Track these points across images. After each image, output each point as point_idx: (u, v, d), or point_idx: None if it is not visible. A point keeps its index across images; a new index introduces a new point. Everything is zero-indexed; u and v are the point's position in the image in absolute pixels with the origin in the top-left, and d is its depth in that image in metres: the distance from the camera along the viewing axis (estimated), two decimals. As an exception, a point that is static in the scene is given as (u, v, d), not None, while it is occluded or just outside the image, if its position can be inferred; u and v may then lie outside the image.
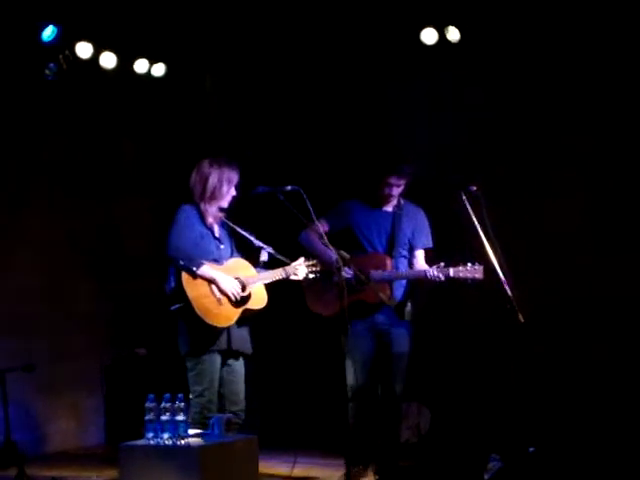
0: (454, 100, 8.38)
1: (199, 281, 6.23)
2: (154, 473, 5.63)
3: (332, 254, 6.29)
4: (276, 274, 6.49)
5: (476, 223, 6.08)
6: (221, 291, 6.27)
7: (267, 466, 7.19)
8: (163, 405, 5.73)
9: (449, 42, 8.10)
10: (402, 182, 6.81)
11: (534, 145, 8.08)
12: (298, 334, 8.54)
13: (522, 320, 5.90)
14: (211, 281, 6.25)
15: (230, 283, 6.30)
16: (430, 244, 6.94)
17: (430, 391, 8.24)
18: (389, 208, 6.93)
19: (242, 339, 6.46)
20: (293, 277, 6.55)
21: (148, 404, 5.75)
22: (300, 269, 6.55)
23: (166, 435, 5.71)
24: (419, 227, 6.93)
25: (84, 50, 7.99)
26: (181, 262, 6.19)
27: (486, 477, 5.75)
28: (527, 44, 7.95)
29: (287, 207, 6.15)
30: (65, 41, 7.75)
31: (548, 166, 8.01)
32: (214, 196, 6.41)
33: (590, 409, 7.57)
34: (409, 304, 6.87)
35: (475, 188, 6.17)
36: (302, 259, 6.61)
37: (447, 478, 5.08)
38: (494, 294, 6.03)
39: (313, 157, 8.76)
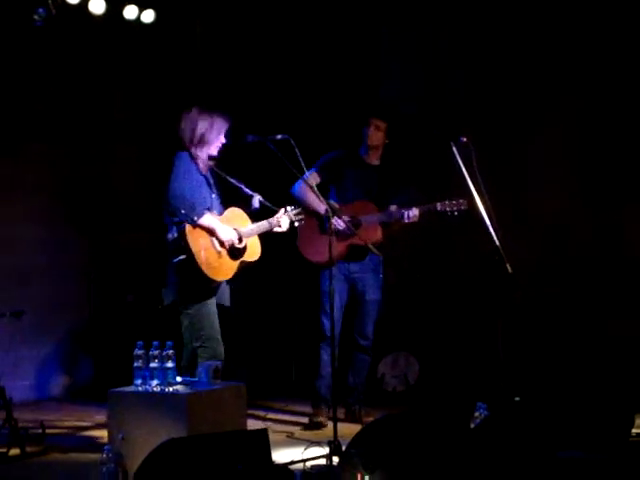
0: (446, 51, 8.35)
1: (200, 232, 6.18)
2: (143, 419, 5.65)
3: (323, 206, 6.47)
4: (261, 227, 6.46)
5: (466, 174, 6.09)
6: (220, 243, 6.24)
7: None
8: (152, 352, 5.75)
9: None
10: (383, 125, 7.03)
11: (525, 98, 8.07)
12: (281, 282, 8.63)
13: (510, 270, 5.93)
14: (211, 231, 6.21)
15: (229, 234, 6.27)
16: (412, 200, 7.08)
17: (418, 341, 8.28)
18: (375, 162, 7.15)
19: (223, 290, 6.50)
20: (277, 229, 6.51)
21: (137, 351, 5.77)
22: (283, 220, 6.52)
23: (155, 382, 5.74)
24: (403, 184, 7.17)
25: (73, -5, 7.92)
26: (182, 211, 6.13)
27: (472, 425, 5.78)
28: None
29: (277, 156, 6.14)
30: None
31: (537, 119, 8.01)
32: (203, 141, 6.35)
33: (575, 359, 7.63)
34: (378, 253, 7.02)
35: (465, 139, 6.17)
36: (282, 210, 6.55)
37: (434, 426, 5.13)
38: (483, 245, 6.05)
39: (303, 105, 8.74)
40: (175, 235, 6.20)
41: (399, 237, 7.25)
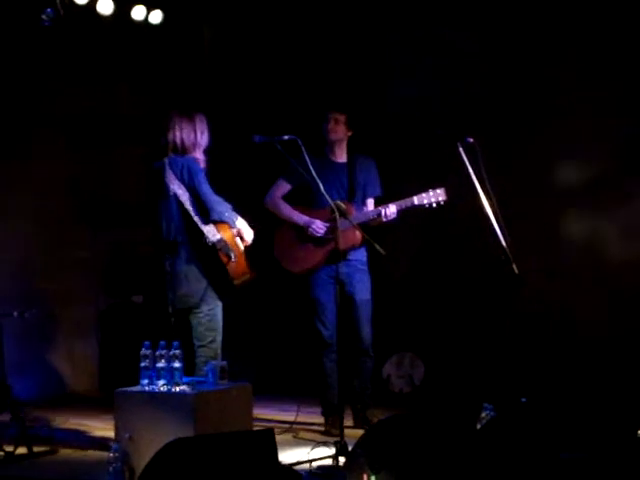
0: (452, 50, 8.36)
1: (230, 234, 6.36)
2: (149, 419, 5.66)
3: (299, 216, 6.88)
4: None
5: (472, 175, 6.10)
6: (241, 244, 6.41)
7: (262, 414, 7.28)
8: (159, 352, 5.77)
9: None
10: (341, 118, 6.96)
11: (532, 98, 8.06)
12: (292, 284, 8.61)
13: (516, 271, 5.93)
14: (239, 232, 6.40)
15: (251, 235, 6.46)
16: (379, 192, 7.10)
17: (424, 341, 8.28)
18: (342, 159, 7.08)
19: None
20: (241, 242, 6.49)
21: (144, 351, 5.78)
22: (245, 234, 6.49)
23: (161, 382, 5.75)
24: (370, 176, 7.08)
25: (81, -5, 7.94)
26: (226, 214, 6.35)
27: (478, 426, 5.79)
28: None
29: (284, 156, 6.16)
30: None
31: (545, 119, 8.00)
32: (202, 144, 6.49)
33: (583, 360, 7.63)
34: (365, 252, 7.03)
35: (472, 139, 6.18)
36: (238, 225, 6.49)
37: (440, 427, 5.12)
38: (489, 245, 6.05)
39: (309, 107, 8.73)
40: (218, 236, 6.29)
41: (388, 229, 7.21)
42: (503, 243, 5.98)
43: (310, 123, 7.21)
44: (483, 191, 6.05)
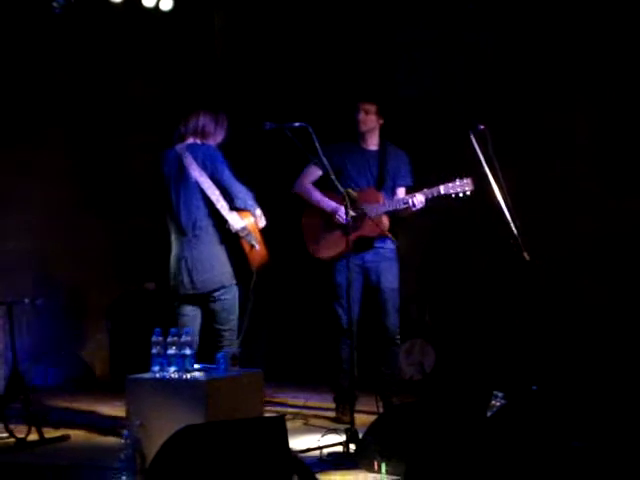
0: (462, 43, 8.34)
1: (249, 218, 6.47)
2: (161, 406, 5.68)
3: (328, 202, 6.85)
4: None
5: (483, 162, 6.09)
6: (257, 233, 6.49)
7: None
8: (170, 339, 5.79)
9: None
10: (372, 108, 6.94)
11: (541, 87, 8.04)
12: (303, 271, 8.60)
13: (527, 258, 5.93)
14: (257, 220, 6.49)
15: (264, 222, 6.56)
16: (410, 182, 7.07)
17: (435, 329, 8.28)
18: (373, 147, 7.07)
19: None
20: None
21: (154, 338, 5.80)
22: (233, 223, 6.50)
23: (172, 369, 5.77)
24: (401, 165, 7.06)
25: (92, -18, 7.94)
26: (249, 202, 6.43)
27: (489, 414, 5.79)
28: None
29: (294, 144, 6.17)
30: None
31: (554, 107, 7.98)
32: (218, 138, 6.61)
33: (594, 348, 7.62)
34: (394, 240, 7.00)
35: (483, 127, 6.18)
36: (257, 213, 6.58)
37: (450, 415, 5.13)
38: (500, 232, 6.05)
39: (319, 96, 8.73)
40: (242, 224, 6.40)
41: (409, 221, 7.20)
42: (514, 230, 5.98)
43: (335, 111, 7.21)
44: (494, 178, 6.05)
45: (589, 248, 7.75)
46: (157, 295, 8.71)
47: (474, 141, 6.12)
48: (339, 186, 6.27)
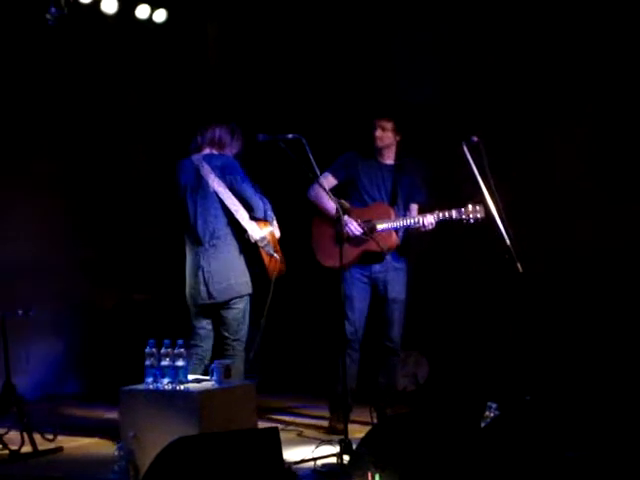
0: (456, 51, 8.35)
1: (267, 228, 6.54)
2: (154, 417, 5.68)
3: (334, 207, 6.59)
4: None
5: (477, 173, 6.10)
6: (276, 243, 6.57)
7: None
8: (163, 351, 5.78)
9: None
10: (388, 125, 6.90)
11: (536, 95, 8.05)
12: (303, 282, 8.60)
13: (521, 270, 5.94)
14: (271, 232, 6.56)
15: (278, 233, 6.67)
16: (422, 199, 7.04)
17: (429, 340, 8.28)
18: (390, 161, 7.03)
19: None
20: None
21: (148, 349, 5.80)
22: (253, 233, 6.55)
23: (166, 380, 5.76)
24: (416, 182, 7.03)
25: (85, -6, 7.94)
26: (269, 212, 6.51)
27: (483, 425, 5.79)
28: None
29: (288, 156, 6.17)
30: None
31: (549, 116, 7.99)
32: (234, 149, 6.70)
33: (587, 358, 7.62)
34: (404, 254, 7.01)
35: (476, 138, 6.19)
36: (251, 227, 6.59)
37: (444, 426, 5.13)
38: (493, 244, 6.05)
39: (315, 107, 8.74)
40: (262, 234, 6.48)
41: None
42: (507, 242, 5.99)
43: (315, 122, 7.18)
44: (487, 190, 6.06)
45: (589, 254, 7.75)
46: (148, 306, 8.70)
47: (467, 153, 6.13)
48: (332, 197, 6.33)
